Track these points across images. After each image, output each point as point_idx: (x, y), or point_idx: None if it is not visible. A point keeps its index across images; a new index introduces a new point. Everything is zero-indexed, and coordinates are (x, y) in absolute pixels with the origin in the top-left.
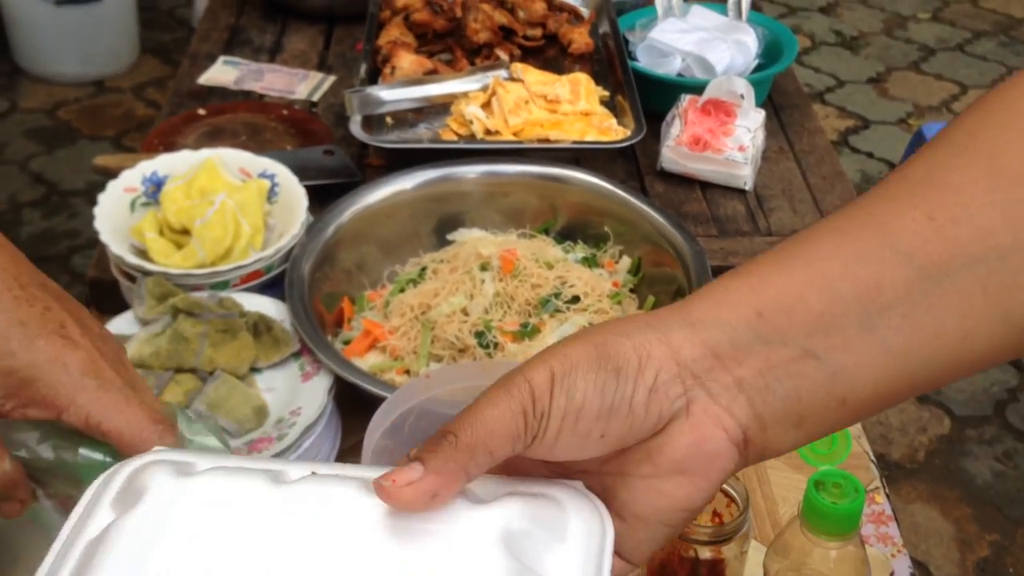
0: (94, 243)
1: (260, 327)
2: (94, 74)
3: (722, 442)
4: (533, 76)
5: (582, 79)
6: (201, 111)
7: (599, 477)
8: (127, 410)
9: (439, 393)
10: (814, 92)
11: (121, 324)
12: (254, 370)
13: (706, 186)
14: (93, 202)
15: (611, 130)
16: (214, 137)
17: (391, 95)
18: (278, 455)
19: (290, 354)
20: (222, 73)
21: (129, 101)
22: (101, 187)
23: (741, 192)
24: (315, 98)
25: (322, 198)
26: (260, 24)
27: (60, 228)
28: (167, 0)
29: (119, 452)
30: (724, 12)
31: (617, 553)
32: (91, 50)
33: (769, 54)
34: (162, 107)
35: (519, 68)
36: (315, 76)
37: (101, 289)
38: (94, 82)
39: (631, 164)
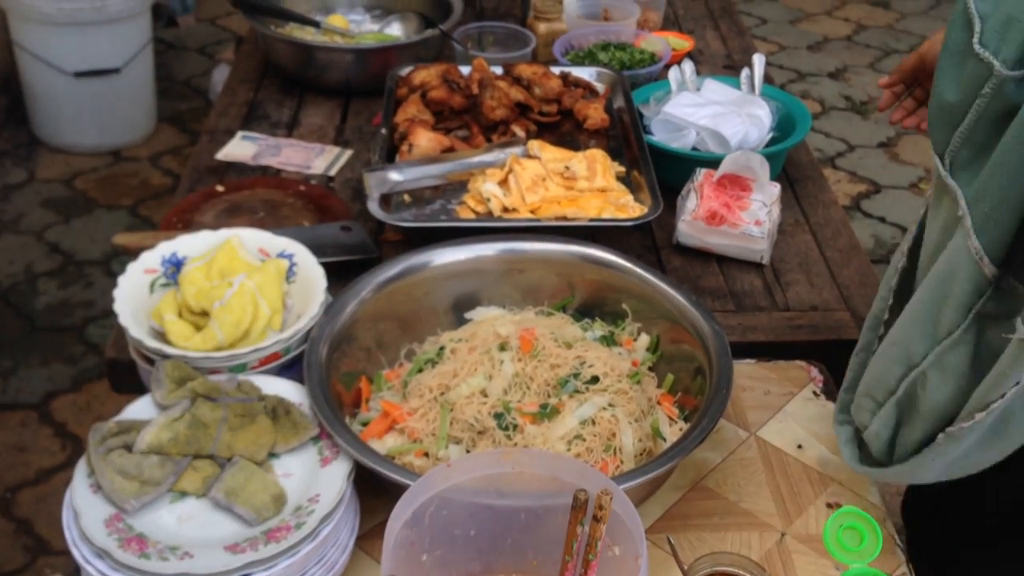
0: (109, 313)
1: (279, 411)
2: (111, 144)
3: None
4: (550, 153)
5: (598, 155)
6: (219, 188)
7: None
8: None
9: (460, 482)
10: (825, 157)
11: (140, 409)
12: (272, 455)
13: (723, 260)
14: (109, 272)
15: (627, 206)
16: (232, 214)
17: (408, 174)
18: (296, 545)
19: (309, 438)
20: (240, 148)
21: (146, 170)
22: (117, 258)
23: (758, 266)
24: (332, 172)
25: (340, 274)
26: (278, 98)
27: (76, 298)
28: (184, 70)
29: None
30: (737, 85)
31: None
32: (109, 121)
33: (783, 126)
34: (179, 176)
35: (536, 145)
36: (332, 150)
37: (119, 369)
38: (111, 152)
39: (648, 238)
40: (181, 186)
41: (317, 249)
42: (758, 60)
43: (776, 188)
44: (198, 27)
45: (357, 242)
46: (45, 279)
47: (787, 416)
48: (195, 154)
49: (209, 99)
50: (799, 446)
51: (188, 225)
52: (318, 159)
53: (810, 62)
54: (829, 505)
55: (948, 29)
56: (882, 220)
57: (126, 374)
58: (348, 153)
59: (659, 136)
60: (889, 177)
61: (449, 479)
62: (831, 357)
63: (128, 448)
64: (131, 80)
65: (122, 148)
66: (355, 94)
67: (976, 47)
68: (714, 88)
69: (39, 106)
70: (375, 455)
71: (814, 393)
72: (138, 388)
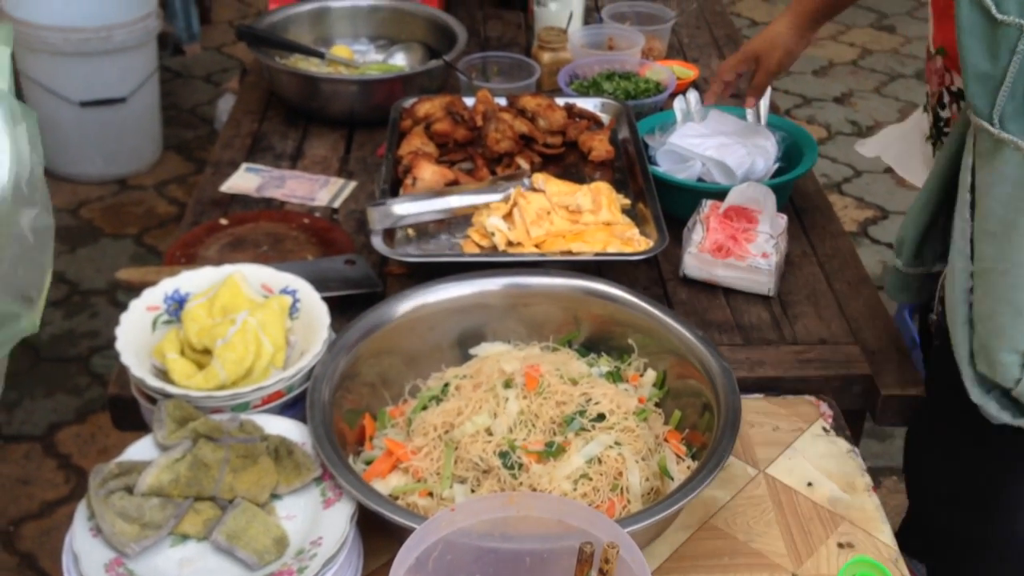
0: (112, 343)
1: (281, 451)
2: (117, 173)
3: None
4: (554, 186)
5: (603, 188)
6: (223, 221)
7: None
8: None
9: (465, 526)
10: (831, 183)
11: (141, 449)
12: (275, 496)
13: (729, 292)
14: (114, 302)
15: (633, 240)
16: (236, 248)
17: (412, 208)
18: None
19: (312, 479)
20: (244, 180)
21: (151, 199)
22: (122, 288)
23: (765, 298)
24: (336, 204)
25: (343, 307)
26: (282, 129)
27: (81, 328)
28: (190, 98)
29: None
30: (743, 115)
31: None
32: (115, 149)
33: (789, 155)
34: (184, 205)
35: (540, 179)
36: (336, 182)
37: (121, 406)
38: (117, 180)
39: (654, 270)
40: (185, 219)
41: (321, 283)
42: None
43: (783, 220)
44: (204, 55)
45: (361, 276)
46: (50, 309)
47: (796, 453)
48: (199, 186)
49: (215, 128)
50: (809, 484)
51: (192, 259)
52: (322, 191)
53: (815, 87)
54: (840, 545)
55: (957, 14)
56: (889, 246)
57: (128, 411)
58: (352, 184)
59: (664, 166)
60: (896, 203)
61: (453, 523)
62: (841, 392)
63: (129, 490)
64: (137, 109)
65: (127, 177)
66: (359, 125)
67: (999, 16)
68: (719, 119)
69: (45, 135)
70: (379, 497)
71: (824, 429)
72: (141, 425)
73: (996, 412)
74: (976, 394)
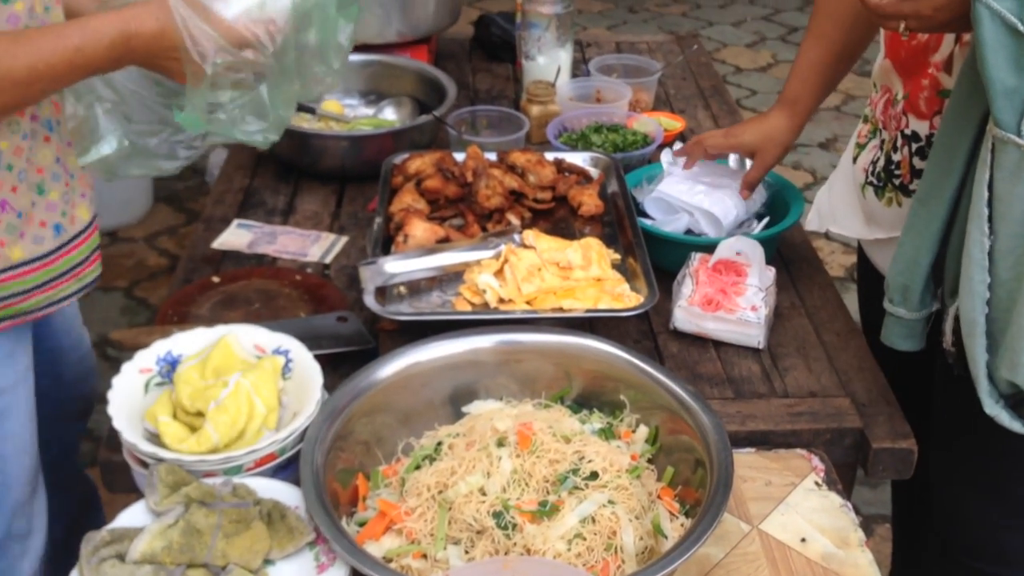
0: (103, 397)
1: (274, 515)
2: (107, 225)
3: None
4: (544, 243)
5: (593, 244)
6: (215, 279)
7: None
8: None
9: None
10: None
11: (133, 516)
12: (267, 562)
13: (720, 345)
14: (104, 355)
15: (623, 295)
16: (228, 306)
17: (404, 266)
18: None
19: (305, 544)
20: (236, 237)
21: (142, 251)
22: (112, 343)
23: (756, 350)
24: (328, 260)
25: (336, 364)
26: (273, 185)
27: None
28: None
29: None
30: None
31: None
32: (106, 201)
33: (774, 205)
34: (174, 256)
35: (530, 235)
36: (327, 237)
37: (113, 469)
38: (107, 233)
39: (644, 324)
40: (177, 276)
41: (313, 341)
42: None
43: (771, 272)
44: None
45: (353, 333)
46: None
47: (789, 508)
48: (191, 243)
49: (205, 179)
50: (803, 539)
51: (184, 317)
52: (314, 246)
53: (801, 133)
54: None
55: (979, 33)
56: None
57: (120, 474)
58: (343, 240)
59: (653, 214)
60: None
61: None
62: (831, 445)
63: (121, 558)
64: None
65: (117, 229)
66: (350, 179)
67: (1023, 28)
68: (706, 165)
69: None
70: (373, 561)
71: (816, 483)
72: (133, 487)
73: (1008, 422)
74: (989, 405)
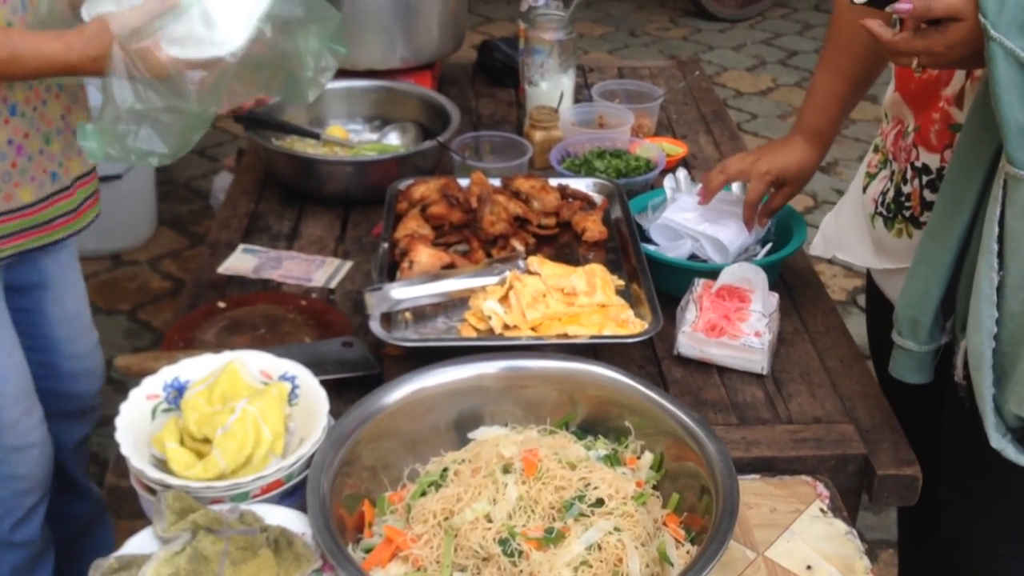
0: (109, 422)
1: (281, 542)
2: (111, 248)
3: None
4: (549, 269)
5: (597, 270)
6: (221, 304)
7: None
8: None
9: None
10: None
11: (140, 542)
12: None
13: (724, 370)
14: (109, 379)
15: (628, 321)
16: (233, 331)
17: (409, 292)
18: None
19: (312, 571)
20: (241, 262)
21: (145, 274)
22: (116, 368)
23: (759, 376)
24: (332, 285)
25: (341, 389)
26: (278, 210)
27: None
28: (185, 172)
29: None
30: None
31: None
32: (110, 225)
33: (777, 229)
34: (178, 279)
35: (535, 261)
36: (332, 262)
37: (119, 495)
38: (111, 256)
39: (648, 349)
40: (182, 301)
41: (318, 366)
42: None
43: (775, 298)
44: None
45: (358, 358)
46: None
47: (794, 535)
48: (197, 268)
49: (209, 203)
50: (808, 567)
51: (190, 343)
52: (319, 271)
53: None
54: None
55: (993, 72)
56: None
57: (127, 500)
58: (348, 264)
59: (658, 240)
60: None
61: None
62: (836, 471)
63: None
64: (132, 186)
65: (122, 252)
66: (355, 204)
67: None
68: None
69: None
70: None
71: (821, 510)
72: (140, 513)
73: (1015, 456)
74: (996, 439)
